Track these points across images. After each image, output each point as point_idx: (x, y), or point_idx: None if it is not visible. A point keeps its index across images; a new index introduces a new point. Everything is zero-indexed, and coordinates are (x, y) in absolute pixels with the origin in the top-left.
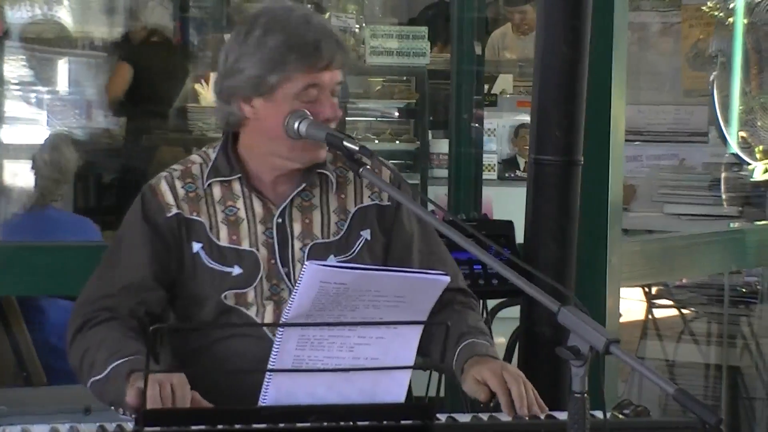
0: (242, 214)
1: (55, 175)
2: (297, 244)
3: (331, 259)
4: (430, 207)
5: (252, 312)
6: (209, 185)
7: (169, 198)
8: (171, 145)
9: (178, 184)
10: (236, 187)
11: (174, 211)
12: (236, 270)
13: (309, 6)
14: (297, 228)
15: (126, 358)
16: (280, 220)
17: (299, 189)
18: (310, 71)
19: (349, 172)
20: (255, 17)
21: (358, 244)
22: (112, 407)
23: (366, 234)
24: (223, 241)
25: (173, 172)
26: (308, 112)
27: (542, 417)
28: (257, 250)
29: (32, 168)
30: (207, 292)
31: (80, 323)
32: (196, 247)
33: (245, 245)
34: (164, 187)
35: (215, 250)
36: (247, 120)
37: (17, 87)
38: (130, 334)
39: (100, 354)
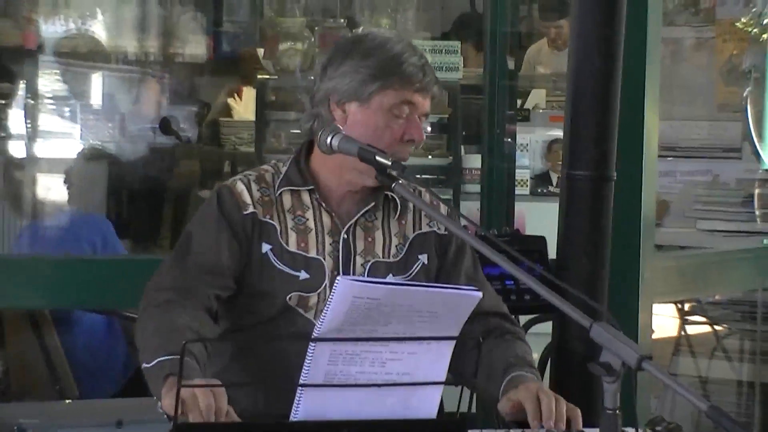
0: (311, 224)
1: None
2: (359, 260)
3: (390, 278)
4: (462, 222)
5: (310, 315)
6: (280, 194)
7: (246, 197)
8: (201, 158)
9: (254, 186)
10: (306, 198)
11: (250, 210)
12: (303, 275)
13: (343, 21)
14: (360, 245)
15: (172, 356)
16: (345, 236)
17: (367, 208)
18: (409, 88)
19: (410, 202)
20: (364, 35)
21: (416, 266)
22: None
23: (423, 258)
24: (292, 246)
25: (249, 176)
26: (340, 127)
27: None
28: (324, 259)
29: (65, 182)
30: (274, 291)
31: (146, 303)
32: (266, 248)
33: (313, 253)
34: (241, 187)
35: (285, 253)
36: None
37: (51, 101)
38: (190, 324)
39: (152, 341)
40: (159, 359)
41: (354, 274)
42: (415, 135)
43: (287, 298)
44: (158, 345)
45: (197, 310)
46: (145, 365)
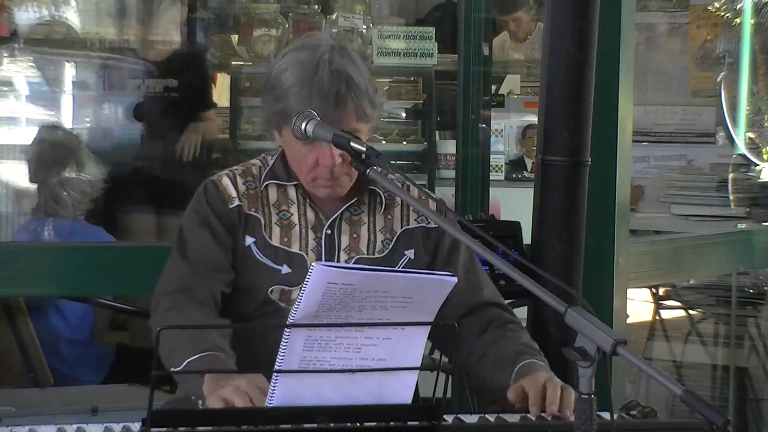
0: (295, 219)
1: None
2: (343, 257)
3: None
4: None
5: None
6: (265, 187)
7: (232, 191)
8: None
9: (239, 180)
10: (291, 193)
11: (236, 203)
12: (285, 269)
13: (317, 7)
14: (345, 241)
15: (201, 354)
16: (329, 232)
17: (350, 203)
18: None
19: (396, 197)
20: (285, 53)
21: (401, 262)
22: (193, 397)
23: (410, 254)
24: (275, 240)
25: (235, 170)
26: (316, 114)
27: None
28: (306, 254)
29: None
30: (255, 284)
31: (157, 310)
32: (249, 240)
33: (295, 248)
34: (226, 181)
35: (267, 247)
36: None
37: (23, 88)
38: (205, 320)
39: (176, 343)
40: (188, 360)
41: None
42: (322, 162)
43: (269, 291)
44: (183, 346)
45: (207, 308)
46: (174, 369)
